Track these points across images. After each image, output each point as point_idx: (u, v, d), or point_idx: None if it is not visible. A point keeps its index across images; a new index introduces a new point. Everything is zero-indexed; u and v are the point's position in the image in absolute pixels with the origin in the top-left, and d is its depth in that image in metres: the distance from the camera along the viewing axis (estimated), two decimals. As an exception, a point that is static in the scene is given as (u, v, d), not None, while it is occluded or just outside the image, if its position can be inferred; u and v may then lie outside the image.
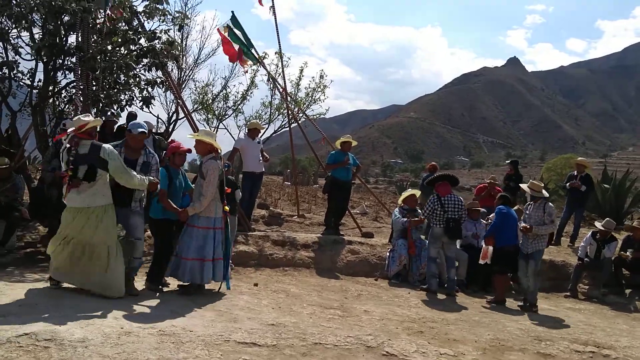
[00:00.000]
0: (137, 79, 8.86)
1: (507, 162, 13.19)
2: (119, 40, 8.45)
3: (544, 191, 8.20)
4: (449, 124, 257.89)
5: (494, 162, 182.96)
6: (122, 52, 8.72)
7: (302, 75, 12.35)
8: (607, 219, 9.73)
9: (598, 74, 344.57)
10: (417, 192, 9.91)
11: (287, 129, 11.99)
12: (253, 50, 11.03)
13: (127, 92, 8.81)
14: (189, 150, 6.98)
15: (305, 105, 12.27)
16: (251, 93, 12.04)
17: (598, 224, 9.53)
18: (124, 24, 8.75)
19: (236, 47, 10.97)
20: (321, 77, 12.34)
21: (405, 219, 9.22)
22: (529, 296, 7.99)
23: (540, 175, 36.37)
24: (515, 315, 7.55)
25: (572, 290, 9.23)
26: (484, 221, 9.58)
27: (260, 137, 10.87)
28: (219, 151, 6.67)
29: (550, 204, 8.09)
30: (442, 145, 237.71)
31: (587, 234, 9.76)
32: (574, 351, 5.83)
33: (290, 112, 11.61)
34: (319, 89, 12.30)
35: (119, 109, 8.66)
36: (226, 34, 10.67)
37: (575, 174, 11.33)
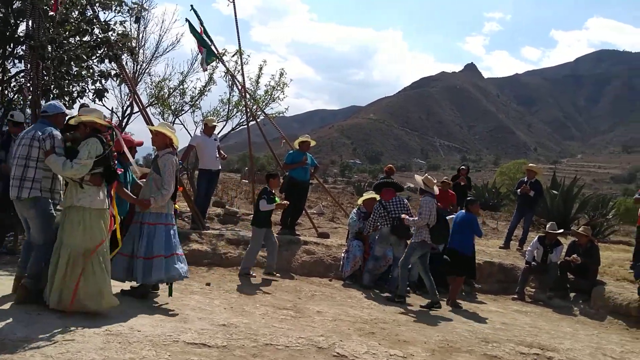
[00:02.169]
0: (90, 70, 8.60)
1: (461, 167, 13.49)
2: (72, 29, 8.20)
3: (435, 188, 8.37)
4: (407, 127, 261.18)
5: (449, 165, 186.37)
6: (75, 42, 8.46)
7: (262, 73, 12.25)
8: (552, 222, 10.05)
9: (551, 83, 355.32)
10: (378, 197, 9.99)
11: (246, 126, 11.84)
12: (212, 47, 10.88)
13: (79, 84, 8.54)
14: (141, 143, 6.84)
15: (264, 104, 12.17)
16: (209, 89, 11.86)
17: (548, 227, 9.82)
18: (77, 13, 8.49)
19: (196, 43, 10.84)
20: (281, 75, 12.27)
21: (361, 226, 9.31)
22: (399, 286, 8.20)
23: (493, 179, 37.24)
24: (464, 317, 7.70)
25: (520, 293, 9.48)
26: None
27: (218, 134, 10.74)
28: (176, 147, 6.52)
29: (428, 199, 8.15)
30: (400, 148, 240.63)
31: (534, 238, 10.05)
32: (519, 353, 5.99)
33: (248, 110, 11.51)
34: (279, 88, 12.21)
35: (70, 101, 8.38)
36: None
37: (526, 179, 11.65)
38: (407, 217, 8.40)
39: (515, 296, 9.45)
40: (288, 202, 9.00)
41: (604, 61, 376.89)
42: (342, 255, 9.35)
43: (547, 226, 9.82)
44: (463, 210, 8.75)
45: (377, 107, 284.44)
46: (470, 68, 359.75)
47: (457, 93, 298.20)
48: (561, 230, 9.74)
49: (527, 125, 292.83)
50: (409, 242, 8.39)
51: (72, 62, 8.32)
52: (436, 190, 8.39)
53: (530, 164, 13.29)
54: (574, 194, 16.08)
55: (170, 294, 6.26)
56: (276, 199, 8.53)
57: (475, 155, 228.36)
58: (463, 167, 13.44)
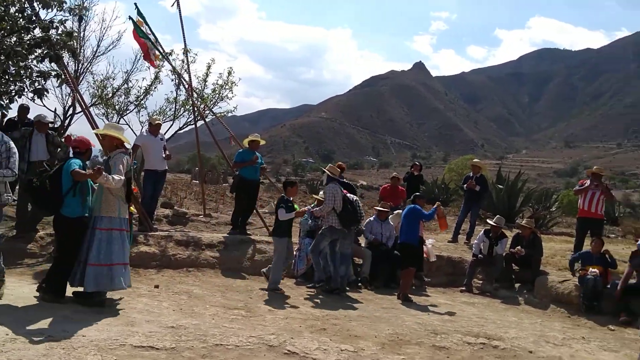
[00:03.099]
0: (29, 70, 8.28)
1: (416, 162, 13.87)
2: (8, 27, 7.88)
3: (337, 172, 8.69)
4: (359, 125, 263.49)
5: (400, 163, 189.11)
6: (12, 40, 8.13)
7: (210, 72, 12.06)
8: (498, 216, 10.36)
9: (496, 81, 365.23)
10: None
11: (194, 126, 11.65)
12: (158, 45, 10.68)
13: (16, 83, 8.22)
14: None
15: (212, 103, 11.99)
16: (155, 88, 11.60)
17: (490, 221, 10.11)
18: (14, 10, 8.16)
19: (144, 42, 10.61)
20: (229, 73, 12.11)
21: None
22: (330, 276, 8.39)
23: (442, 175, 38.02)
24: (414, 310, 7.83)
25: (467, 285, 9.72)
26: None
27: (165, 133, 10.55)
28: (127, 147, 6.36)
29: (331, 185, 8.36)
30: (352, 146, 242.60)
31: (481, 232, 10.32)
32: (466, 343, 6.14)
33: (196, 109, 11.34)
34: (227, 86, 12.06)
35: (7, 101, 8.06)
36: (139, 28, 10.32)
37: (472, 175, 11.95)
38: (309, 208, 8.92)
39: (463, 288, 9.68)
40: (306, 209, 8.99)
41: (545, 59, 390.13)
42: (295, 253, 9.35)
43: (493, 220, 10.10)
44: (411, 205, 8.94)
45: (328, 106, 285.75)
46: (419, 67, 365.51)
47: (406, 91, 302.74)
48: (499, 220, 10.02)
49: (473, 123, 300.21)
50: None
51: (9, 61, 8.01)
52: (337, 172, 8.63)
53: (475, 160, 13.65)
54: (519, 188, 16.58)
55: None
56: (295, 206, 8.35)
57: (425, 152, 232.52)
58: (417, 162, 13.77)
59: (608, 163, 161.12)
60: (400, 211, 9.53)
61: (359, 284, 9.10)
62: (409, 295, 8.53)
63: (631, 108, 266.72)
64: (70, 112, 10.35)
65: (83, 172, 5.77)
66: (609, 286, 8.29)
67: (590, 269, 8.43)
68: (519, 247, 9.57)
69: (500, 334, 6.75)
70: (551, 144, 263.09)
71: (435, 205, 8.93)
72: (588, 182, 9.87)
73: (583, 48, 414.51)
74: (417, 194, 9.61)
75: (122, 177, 5.91)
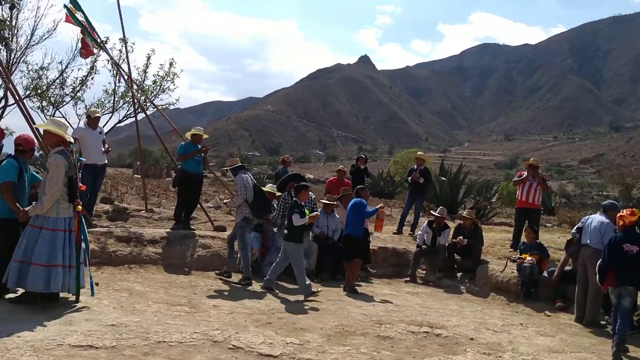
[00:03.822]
0: (-45, 59, 7.84)
1: (362, 155, 13.95)
2: None
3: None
4: (305, 118, 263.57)
5: (347, 156, 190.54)
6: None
7: (150, 63, 11.74)
8: (440, 207, 10.59)
9: (439, 75, 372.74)
10: (275, 191, 9.98)
11: (134, 119, 11.31)
12: (94, 33, 10.30)
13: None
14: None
15: (153, 95, 11.69)
16: (92, 79, 11.20)
17: (434, 212, 10.32)
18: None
19: (78, 30, 10.22)
20: (171, 65, 11.84)
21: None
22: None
23: (388, 168, 38.50)
24: (360, 301, 7.91)
25: (412, 275, 9.90)
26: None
27: (103, 126, 10.22)
28: (70, 144, 6.10)
29: (240, 176, 8.38)
30: (298, 139, 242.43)
31: (424, 223, 10.52)
32: (410, 332, 6.25)
33: (136, 101, 11.02)
34: (169, 78, 11.78)
35: None
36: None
37: (416, 167, 12.15)
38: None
39: (408, 279, 9.86)
40: (318, 214, 8.86)
41: (487, 54, 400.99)
42: (240, 247, 9.27)
43: (437, 211, 10.32)
44: (356, 198, 9.00)
45: (274, 99, 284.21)
46: (365, 60, 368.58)
47: (352, 84, 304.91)
48: (442, 211, 10.24)
49: (418, 116, 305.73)
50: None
51: None
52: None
53: (419, 153, 13.93)
54: (461, 180, 17.02)
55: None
56: (306, 211, 8.11)
57: (371, 145, 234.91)
58: (362, 155, 13.83)
59: (545, 155, 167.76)
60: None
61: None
62: (355, 287, 8.61)
63: (567, 102, 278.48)
64: (2, 103, 9.88)
65: (12, 198, 5.70)
66: (545, 274, 8.62)
67: (527, 257, 8.74)
68: (460, 237, 9.81)
69: (442, 322, 6.91)
70: (492, 136, 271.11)
71: (378, 206, 9.03)
72: (525, 173, 10.21)
73: (522, 43, 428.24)
74: (360, 186, 9.70)
75: (57, 186, 5.73)
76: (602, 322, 7.49)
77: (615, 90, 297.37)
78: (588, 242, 7.58)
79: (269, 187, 9.63)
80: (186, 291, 7.43)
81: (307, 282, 7.87)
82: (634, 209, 6.66)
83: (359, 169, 12.96)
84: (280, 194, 9.57)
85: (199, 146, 9.83)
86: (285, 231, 8.06)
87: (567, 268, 8.38)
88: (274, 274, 8.13)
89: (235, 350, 5.00)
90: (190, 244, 9.22)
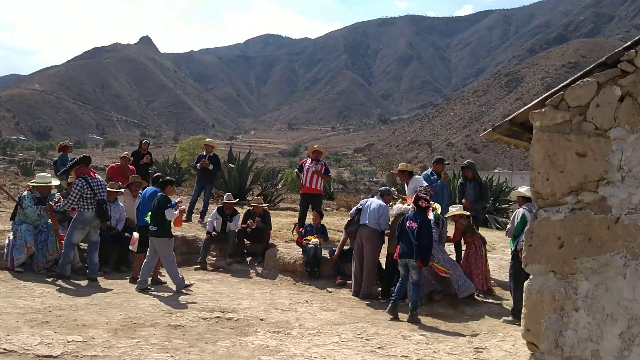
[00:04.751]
0: None
1: (143, 140, 13.27)
2: None
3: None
4: (80, 100, 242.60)
5: (129, 142, 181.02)
6: None
7: None
8: (227, 193, 10.73)
9: (225, 62, 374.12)
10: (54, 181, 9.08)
11: None
12: None
13: None
14: None
15: None
16: None
17: (225, 198, 10.39)
18: None
19: None
20: None
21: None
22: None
23: (174, 155, 37.62)
24: (149, 292, 7.65)
25: (202, 262, 9.86)
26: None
27: None
28: None
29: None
30: (72, 122, 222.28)
31: (214, 210, 10.53)
32: (202, 319, 6.25)
33: None
34: None
35: None
36: None
37: (204, 154, 12.07)
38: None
39: (198, 266, 9.81)
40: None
41: (270, 44, 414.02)
42: (6, 242, 8.26)
43: (224, 197, 10.40)
44: (151, 187, 8.63)
45: (42, 77, 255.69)
46: (146, 41, 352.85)
47: (133, 66, 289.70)
48: (237, 200, 10.43)
49: (204, 102, 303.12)
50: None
51: None
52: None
53: (208, 139, 13.88)
54: (249, 167, 17.34)
55: None
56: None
57: (155, 130, 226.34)
58: (145, 140, 13.21)
59: (324, 144, 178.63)
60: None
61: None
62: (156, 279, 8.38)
63: (342, 95, 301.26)
64: None
65: None
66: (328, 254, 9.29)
67: (312, 239, 9.32)
68: (250, 221, 10.02)
69: (234, 306, 7.04)
70: (277, 125, 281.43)
71: (177, 200, 8.78)
72: (309, 160, 10.81)
73: (303, 37, 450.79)
74: (160, 175, 9.20)
75: None
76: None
77: (383, 86, 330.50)
78: (367, 222, 8.40)
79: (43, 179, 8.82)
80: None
81: (179, 276, 7.80)
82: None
83: (140, 155, 12.38)
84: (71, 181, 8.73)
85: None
86: (154, 227, 7.77)
87: (346, 247, 9.14)
88: (148, 272, 7.89)
89: (7, 354, 4.48)
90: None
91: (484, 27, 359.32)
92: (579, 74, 3.19)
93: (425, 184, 8.50)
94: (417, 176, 8.93)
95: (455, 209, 8.45)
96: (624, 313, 2.92)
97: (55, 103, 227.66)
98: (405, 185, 8.97)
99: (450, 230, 9.03)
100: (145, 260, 7.99)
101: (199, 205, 12.28)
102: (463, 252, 8.59)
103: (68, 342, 4.97)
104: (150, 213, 7.96)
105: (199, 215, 11.98)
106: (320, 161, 10.76)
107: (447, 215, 8.42)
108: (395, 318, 7.12)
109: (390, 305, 7.27)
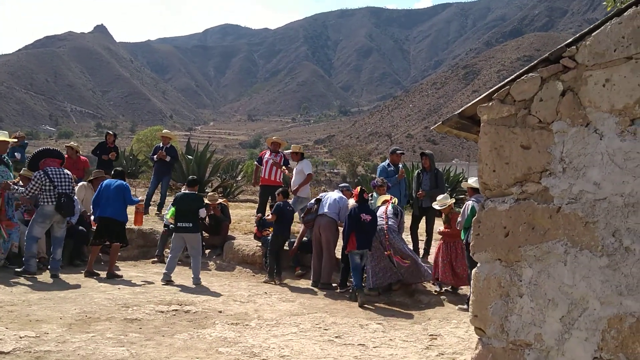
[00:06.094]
0: None
1: (109, 132, 12.84)
2: None
3: None
4: (32, 90, 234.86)
5: (83, 133, 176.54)
6: None
7: None
8: (185, 184, 10.59)
9: (183, 52, 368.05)
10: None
11: None
12: None
13: None
14: None
15: None
16: None
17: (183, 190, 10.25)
18: None
19: None
20: None
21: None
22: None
23: (130, 146, 36.90)
24: (104, 286, 7.55)
25: (159, 255, 9.77)
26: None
27: None
28: None
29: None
30: (24, 113, 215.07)
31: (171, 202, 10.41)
32: (159, 312, 6.21)
33: None
34: None
35: None
36: None
37: (162, 145, 11.91)
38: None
39: (155, 259, 9.72)
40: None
41: (229, 35, 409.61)
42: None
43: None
44: (116, 180, 8.49)
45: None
46: (101, 30, 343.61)
47: (88, 55, 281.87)
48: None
49: (162, 92, 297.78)
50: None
51: None
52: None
53: (165, 131, 13.69)
54: (207, 159, 17.19)
55: None
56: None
57: (110, 121, 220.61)
58: (111, 132, 12.70)
59: (285, 135, 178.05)
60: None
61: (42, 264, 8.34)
62: (115, 273, 8.27)
63: (303, 86, 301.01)
64: None
65: None
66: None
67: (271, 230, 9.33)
68: (212, 213, 9.92)
69: (192, 299, 7.01)
70: (236, 116, 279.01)
71: (139, 198, 8.69)
72: (268, 152, 10.80)
73: (262, 27, 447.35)
74: (121, 170, 9.01)
75: None
76: (334, 285, 8.43)
77: (343, 78, 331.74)
78: (326, 211, 8.50)
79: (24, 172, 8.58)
80: None
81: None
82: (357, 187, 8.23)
83: (105, 147, 12.04)
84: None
85: None
86: (189, 224, 8.19)
87: (305, 239, 9.20)
88: (174, 264, 8.25)
89: (-44, 355, 4.36)
90: None
91: (442, 20, 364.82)
92: (523, 69, 3.31)
93: (309, 165, 10.38)
94: (306, 159, 10.42)
95: (448, 201, 8.05)
96: (564, 298, 3.06)
97: (5, 93, 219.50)
98: (296, 163, 10.25)
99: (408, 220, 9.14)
100: (170, 255, 8.32)
101: (157, 197, 12.12)
102: (439, 243, 8.19)
103: (20, 337, 4.88)
104: (173, 210, 8.54)
105: (156, 208, 11.83)
106: (280, 153, 10.76)
107: (438, 208, 8.11)
108: (362, 305, 7.28)
109: (352, 293, 7.67)
